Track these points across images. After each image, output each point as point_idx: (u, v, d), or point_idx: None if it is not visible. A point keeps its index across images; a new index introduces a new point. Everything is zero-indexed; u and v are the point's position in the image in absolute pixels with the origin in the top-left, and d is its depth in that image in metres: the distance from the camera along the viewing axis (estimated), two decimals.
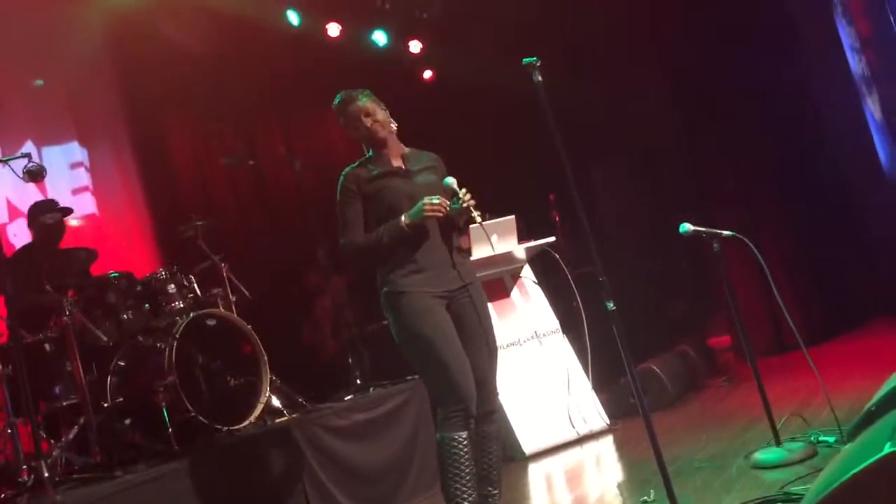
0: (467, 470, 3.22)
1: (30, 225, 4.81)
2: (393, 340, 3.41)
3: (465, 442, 3.22)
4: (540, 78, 3.15)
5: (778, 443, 3.76)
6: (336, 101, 3.53)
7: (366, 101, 3.47)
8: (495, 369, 3.47)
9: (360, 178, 3.42)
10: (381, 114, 3.47)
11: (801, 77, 7.30)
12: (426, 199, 3.26)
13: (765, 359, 6.16)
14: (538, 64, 3.15)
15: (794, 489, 3.20)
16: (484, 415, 3.35)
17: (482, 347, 3.40)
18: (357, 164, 3.50)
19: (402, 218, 3.28)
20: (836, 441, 3.71)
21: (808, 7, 7.40)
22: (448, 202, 3.28)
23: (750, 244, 3.83)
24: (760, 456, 3.74)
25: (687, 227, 3.88)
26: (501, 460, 3.50)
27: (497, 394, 3.47)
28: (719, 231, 3.87)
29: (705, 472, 3.81)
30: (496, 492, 3.41)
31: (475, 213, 3.26)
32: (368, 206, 3.40)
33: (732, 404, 5.41)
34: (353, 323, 6.53)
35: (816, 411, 4.38)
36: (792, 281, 6.81)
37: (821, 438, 3.82)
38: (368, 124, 3.45)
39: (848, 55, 7.28)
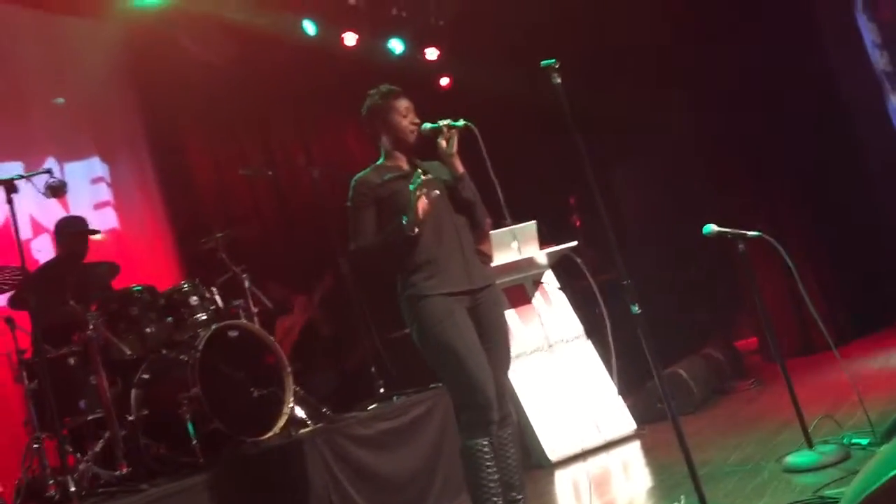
0: (493, 476, 3.21)
1: (56, 241, 4.84)
2: (415, 348, 3.39)
3: (488, 448, 3.20)
4: (559, 80, 3.13)
5: (810, 445, 3.70)
6: (383, 88, 3.50)
7: (409, 102, 3.48)
8: (508, 375, 3.48)
9: (373, 183, 3.40)
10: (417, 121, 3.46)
11: (822, 74, 7.22)
12: (411, 193, 3.22)
13: (793, 360, 6.09)
14: (557, 66, 3.13)
15: (828, 493, 3.14)
16: (499, 420, 3.33)
17: (499, 352, 3.39)
18: (369, 169, 3.48)
19: (402, 219, 3.24)
20: (869, 443, 3.64)
21: (828, 3, 7.32)
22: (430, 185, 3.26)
23: (776, 244, 3.77)
24: (792, 459, 3.67)
25: (711, 228, 3.83)
26: (521, 464, 3.47)
27: (510, 398, 3.47)
28: (744, 232, 3.82)
29: (736, 477, 3.75)
30: (521, 497, 3.38)
31: (443, 123, 3.32)
32: (382, 209, 3.38)
33: (761, 407, 5.33)
34: (375, 331, 6.52)
35: (848, 413, 4.31)
36: (818, 280, 6.73)
37: (854, 440, 3.74)
38: (407, 122, 3.44)
39: (869, 51, 7.19)
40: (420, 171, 3.33)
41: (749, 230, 3.86)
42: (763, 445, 4.21)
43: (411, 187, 3.22)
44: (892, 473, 1.87)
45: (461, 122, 3.35)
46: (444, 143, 3.36)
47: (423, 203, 3.22)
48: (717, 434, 4.83)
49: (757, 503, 3.30)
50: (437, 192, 3.30)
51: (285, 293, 6.94)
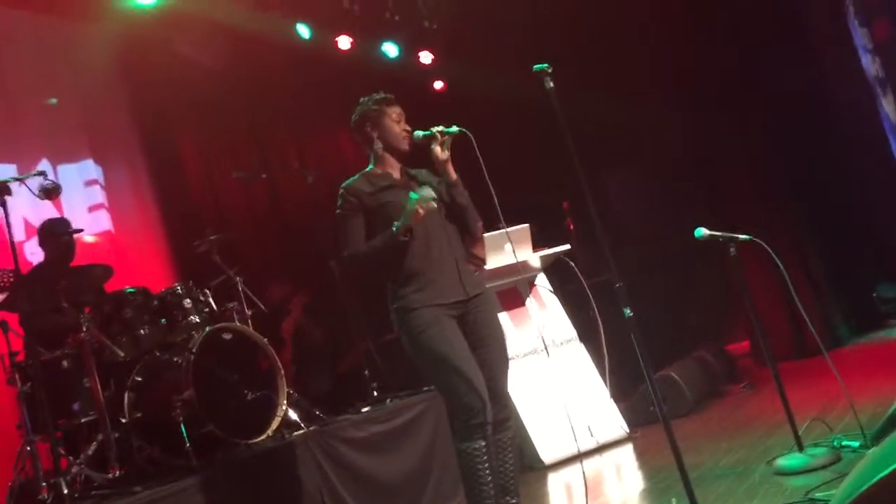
0: (488, 478, 3.23)
1: (41, 244, 4.84)
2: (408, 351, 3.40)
3: (482, 451, 3.22)
4: (552, 84, 3.14)
5: (800, 448, 3.72)
6: (377, 94, 3.51)
7: (401, 109, 3.50)
8: (507, 377, 3.48)
9: (362, 191, 3.41)
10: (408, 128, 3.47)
11: (814, 79, 7.26)
12: (408, 197, 3.22)
13: (784, 363, 6.10)
14: (549, 70, 3.14)
15: (818, 495, 3.16)
16: (498, 422, 3.35)
17: (495, 356, 3.41)
18: (357, 176, 3.48)
19: (394, 225, 3.26)
20: (860, 446, 3.67)
21: (819, 8, 7.36)
22: (431, 195, 3.24)
23: (767, 247, 3.80)
24: (783, 462, 3.69)
25: (703, 231, 3.85)
26: (518, 468, 3.49)
27: (509, 401, 3.46)
28: (736, 235, 3.84)
29: (728, 479, 3.77)
30: (515, 501, 3.40)
31: (436, 129, 3.34)
32: (371, 219, 3.38)
33: (753, 410, 5.35)
34: (368, 335, 6.53)
35: (839, 416, 4.33)
36: (810, 284, 6.77)
37: (844, 443, 3.77)
38: (399, 129, 3.45)
39: (861, 56, 7.23)
40: (426, 186, 3.30)
41: (741, 233, 3.88)
42: (754, 448, 4.23)
43: (414, 196, 3.21)
44: (880, 475, 1.88)
45: (455, 129, 3.36)
46: (437, 148, 3.37)
47: (418, 214, 3.21)
48: (708, 437, 4.85)
49: None
50: (435, 204, 3.28)
51: (286, 294, 6.94)
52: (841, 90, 7.33)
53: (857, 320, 6.99)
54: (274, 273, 6.97)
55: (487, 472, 3.22)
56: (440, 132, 3.36)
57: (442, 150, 3.36)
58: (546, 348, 5.49)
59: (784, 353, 6.48)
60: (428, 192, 3.23)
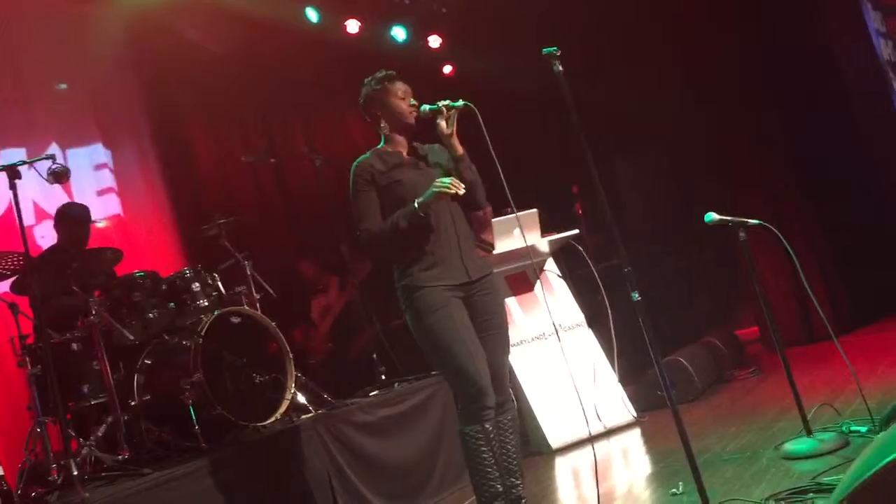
0: (491, 461, 3.24)
1: (56, 226, 4.86)
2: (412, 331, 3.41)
3: (483, 434, 3.23)
4: (560, 68, 3.12)
5: (809, 433, 3.71)
6: (379, 73, 3.50)
7: (406, 85, 3.48)
8: (507, 362, 3.49)
9: (374, 168, 3.40)
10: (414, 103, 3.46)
11: (826, 63, 7.20)
12: (437, 181, 3.24)
13: (793, 349, 6.10)
14: (558, 53, 3.12)
15: (825, 479, 3.15)
16: (498, 405, 3.35)
17: (497, 339, 3.41)
18: (369, 154, 3.48)
19: (416, 201, 3.26)
20: (868, 431, 3.66)
21: None
22: (460, 183, 3.24)
23: (777, 232, 3.78)
24: (791, 447, 3.69)
25: (712, 216, 3.84)
26: (521, 450, 3.49)
27: (508, 384, 3.48)
28: (745, 220, 3.82)
29: (735, 464, 3.77)
30: (519, 482, 3.41)
31: (442, 104, 3.33)
32: (382, 197, 3.38)
33: (761, 395, 5.35)
34: (377, 319, 6.54)
35: (847, 401, 4.32)
36: (820, 269, 6.74)
37: (853, 428, 3.77)
38: (404, 106, 3.43)
39: (874, 39, 7.16)
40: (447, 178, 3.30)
41: (751, 218, 3.86)
42: (762, 433, 4.23)
43: (446, 180, 3.22)
44: (887, 460, 1.88)
45: (460, 103, 3.34)
46: (443, 123, 3.35)
47: (445, 195, 3.22)
48: (717, 421, 4.85)
49: (755, 490, 3.32)
50: (463, 190, 3.27)
51: (318, 273, 6.96)
52: (852, 74, 7.27)
53: (867, 306, 6.95)
54: (282, 256, 6.98)
55: (489, 455, 3.23)
56: (446, 106, 3.34)
57: (448, 124, 3.35)
58: (556, 332, 5.49)
59: (793, 339, 6.47)
60: (456, 180, 3.24)
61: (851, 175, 7.07)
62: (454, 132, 3.37)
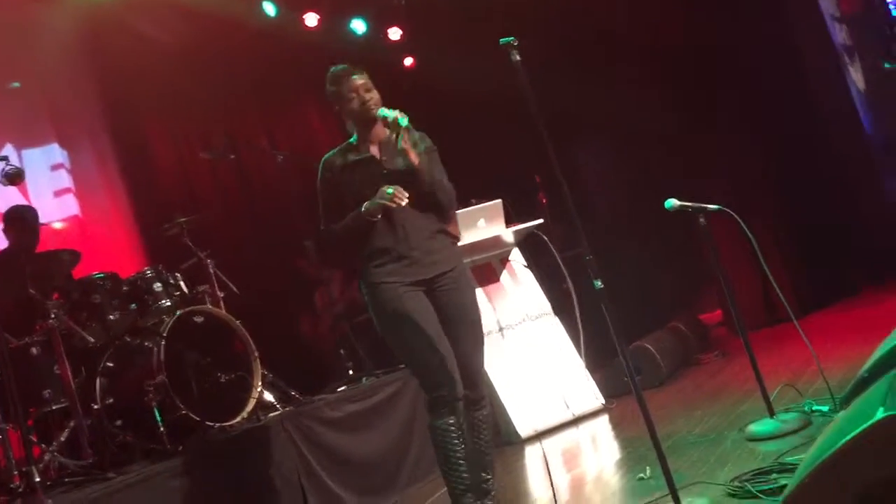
0: (460, 454, 3.23)
1: (5, 231, 4.77)
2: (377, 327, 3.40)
3: (452, 427, 3.22)
4: (518, 57, 3.11)
5: (772, 414, 3.76)
6: (333, 70, 3.45)
7: (364, 78, 3.41)
8: (482, 356, 3.46)
9: (335, 166, 3.40)
10: (376, 94, 3.41)
11: (784, 48, 7.28)
12: (381, 191, 3.22)
13: (756, 332, 6.18)
14: (515, 43, 3.11)
15: (788, 459, 3.20)
16: (472, 401, 3.36)
17: (466, 334, 3.39)
18: (336, 150, 3.47)
19: (363, 206, 3.25)
20: (829, 410, 3.72)
21: None
22: (405, 194, 3.22)
23: (736, 217, 3.82)
24: (755, 428, 3.74)
25: (672, 202, 3.86)
26: (493, 446, 3.50)
27: (483, 380, 3.46)
28: (705, 205, 3.86)
29: (701, 447, 3.81)
30: (489, 477, 3.42)
31: (387, 113, 3.26)
32: (341, 194, 3.37)
33: (726, 378, 5.41)
34: (345, 314, 6.51)
35: (809, 381, 4.40)
36: (781, 252, 6.83)
37: (814, 408, 3.84)
38: (363, 101, 3.39)
39: (828, 25, 7.27)
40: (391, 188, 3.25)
41: (712, 204, 3.90)
42: (727, 415, 4.28)
43: (388, 191, 3.19)
44: (846, 438, 1.90)
45: (405, 122, 3.28)
46: (394, 137, 3.32)
47: (387, 206, 3.21)
48: (683, 405, 4.90)
49: (720, 472, 3.36)
50: (405, 202, 3.24)
51: (318, 268, 6.89)
52: (810, 59, 7.37)
53: (827, 288, 7.06)
54: (245, 254, 6.90)
55: (457, 448, 3.22)
56: (394, 121, 3.27)
57: (397, 140, 3.30)
58: (522, 322, 5.51)
59: (756, 322, 6.54)
60: (401, 191, 3.21)
61: (810, 156, 7.18)
62: (404, 147, 3.29)
